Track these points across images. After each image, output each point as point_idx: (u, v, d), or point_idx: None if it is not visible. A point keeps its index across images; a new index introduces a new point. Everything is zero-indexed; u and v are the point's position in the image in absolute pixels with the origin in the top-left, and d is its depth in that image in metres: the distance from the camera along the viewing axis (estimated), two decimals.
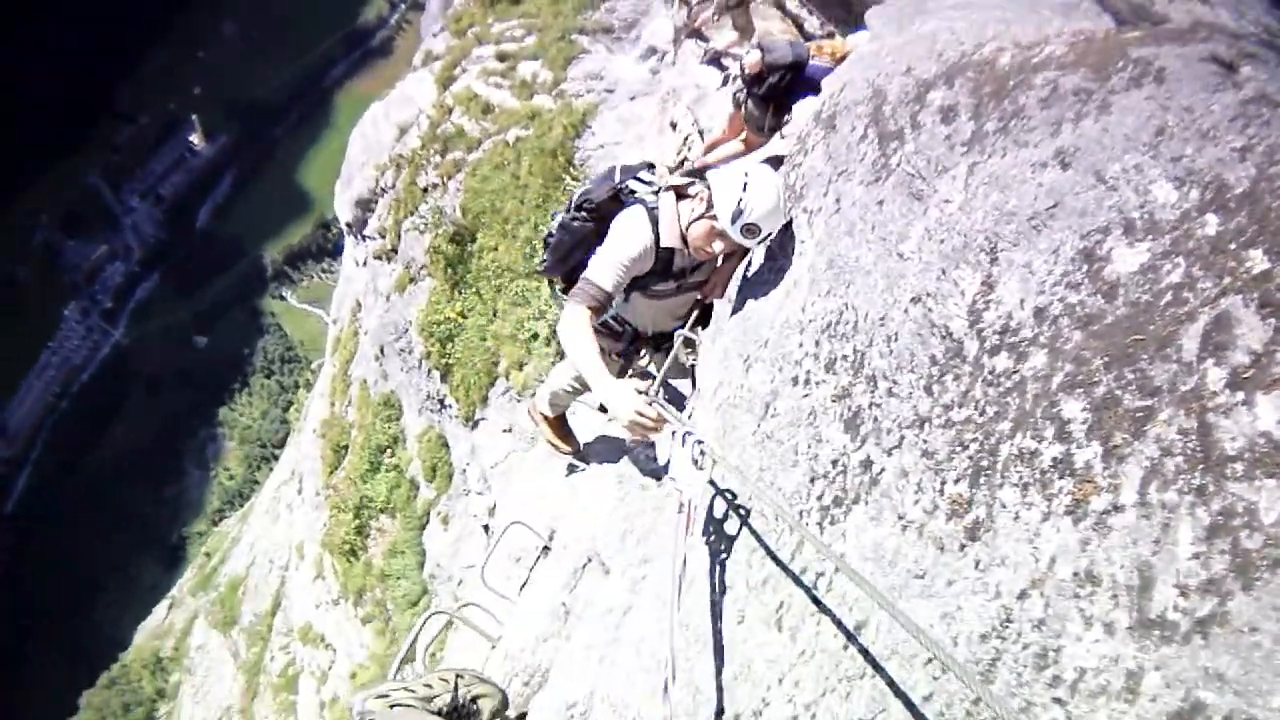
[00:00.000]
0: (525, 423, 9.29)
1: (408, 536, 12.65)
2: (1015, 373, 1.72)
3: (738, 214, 2.83)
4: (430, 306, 11.78)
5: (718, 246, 3.08)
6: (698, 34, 9.73)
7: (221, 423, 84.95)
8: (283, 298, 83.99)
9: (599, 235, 3.33)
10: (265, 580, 26.98)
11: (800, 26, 8.63)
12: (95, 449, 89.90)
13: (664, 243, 3.22)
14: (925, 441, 1.91)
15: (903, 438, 1.99)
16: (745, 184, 2.82)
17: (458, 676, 3.42)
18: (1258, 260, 1.39)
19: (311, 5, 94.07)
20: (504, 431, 10.09)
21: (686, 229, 3.16)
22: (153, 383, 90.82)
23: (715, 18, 9.43)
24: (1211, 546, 1.25)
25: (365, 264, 15.45)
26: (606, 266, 3.15)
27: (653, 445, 3.97)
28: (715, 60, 9.70)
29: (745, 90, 6.00)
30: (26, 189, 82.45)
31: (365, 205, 15.14)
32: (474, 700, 3.41)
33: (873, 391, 2.16)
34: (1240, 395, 1.30)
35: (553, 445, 5.11)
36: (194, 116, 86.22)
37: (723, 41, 9.48)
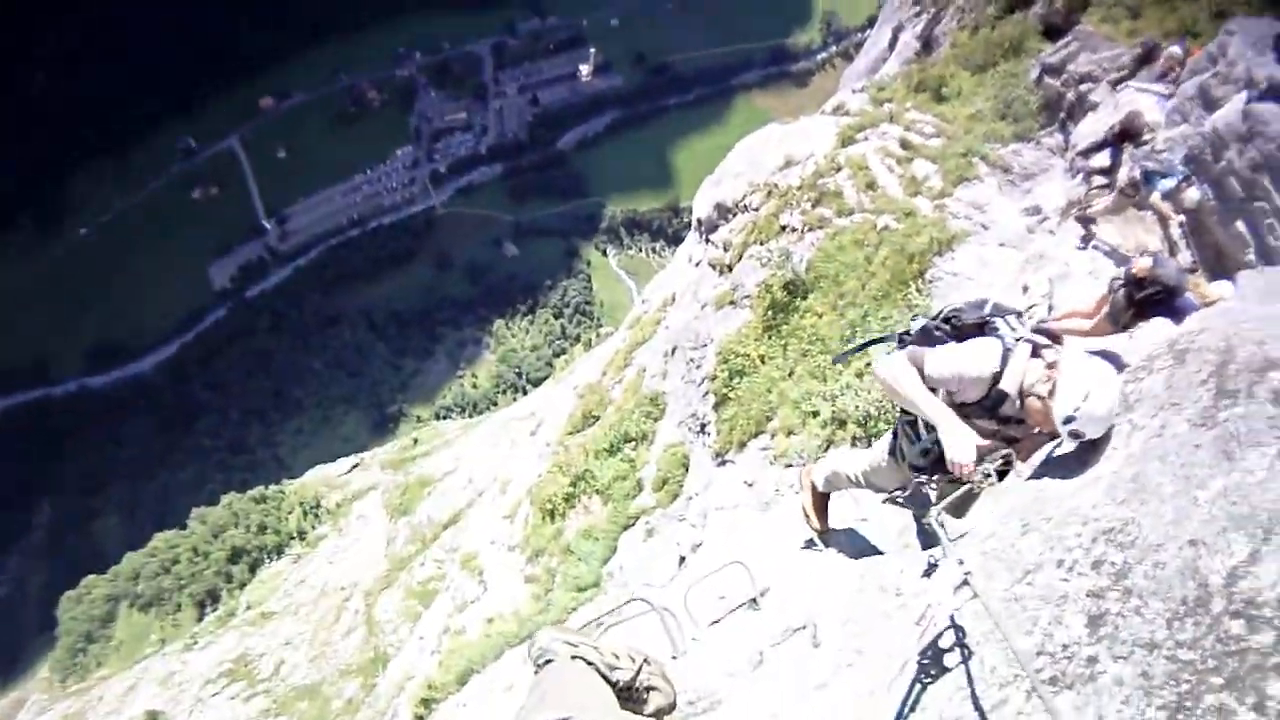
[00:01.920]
0: (769, 483, 9.39)
1: (609, 528, 12.60)
2: (1244, 640, 1.94)
3: (1070, 418, 3.04)
4: (737, 335, 11.89)
5: (1042, 422, 3.24)
6: (1086, 219, 9.86)
7: (493, 334, 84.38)
8: (605, 254, 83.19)
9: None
10: (456, 494, 27.91)
11: (1172, 252, 8.63)
12: (359, 288, 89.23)
13: (1003, 385, 3.31)
14: (1149, 664, 2.14)
15: (1132, 652, 2.23)
16: (1088, 395, 3.00)
17: (645, 661, 3.43)
18: None
19: (758, 3, 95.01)
20: (745, 484, 10.11)
21: (1027, 388, 3.27)
22: (444, 261, 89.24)
23: (1106, 210, 9.54)
24: None
25: (698, 264, 15.64)
26: (942, 360, 3.39)
27: (908, 558, 4.21)
28: (1084, 223, 9.88)
29: (1123, 284, 6.20)
30: (398, 15, 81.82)
31: (723, 212, 15.38)
32: (647, 690, 3.40)
33: (1124, 603, 2.39)
34: None
35: (806, 515, 5.29)
36: (592, 50, 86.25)
37: (1107, 239, 9.61)
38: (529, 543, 15.03)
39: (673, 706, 3.66)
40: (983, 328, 3.52)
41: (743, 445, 10.63)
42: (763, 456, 10.10)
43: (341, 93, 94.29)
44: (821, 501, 5.23)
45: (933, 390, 3.44)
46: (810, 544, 5.45)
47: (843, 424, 8.65)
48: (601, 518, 13.11)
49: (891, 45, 29.46)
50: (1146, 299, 5.88)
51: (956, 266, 10.57)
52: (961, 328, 3.60)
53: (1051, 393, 3.15)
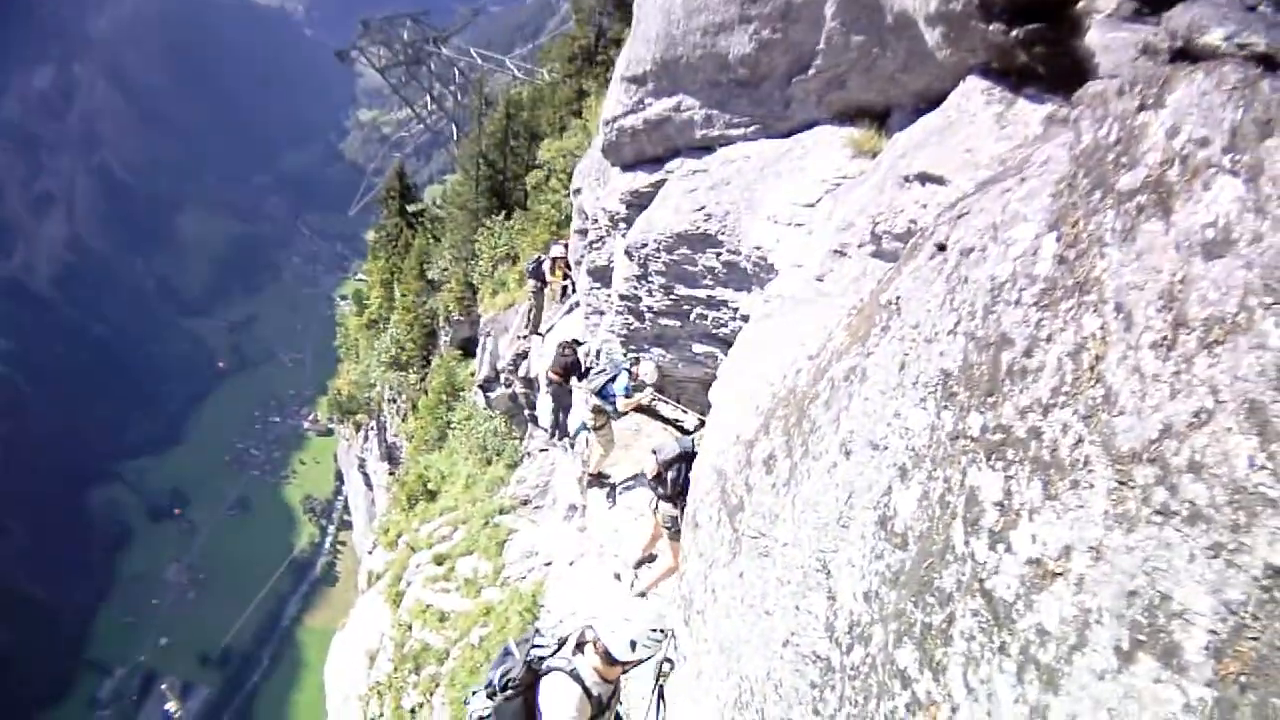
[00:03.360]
0: None
1: None
2: (868, 656, 2.07)
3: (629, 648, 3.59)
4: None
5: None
6: (598, 477, 10.56)
7: None
8: None
9: (528, 707, 3.87)
10: None
11: (658, 414, 9.93)
12: None
13: (594, 692, 3.76)
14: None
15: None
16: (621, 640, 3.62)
17: None
18: (974, 423, 1.78)
19: (247, 540, 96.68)
20: None
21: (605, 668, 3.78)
22: None
23: (606, 455, 10.31)
24: (1023, 682, 1.56)
25: None
26: None
27: None
28: (596, 480, 10.59)
29: (654, 498, 6.93)
30: None
31: None
32: None
33: None
34: (1001, 548, 1.64)
35: None
36: (164, 686, 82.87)
37: (594, 460, 10.48)
38: None
39: None
40: (531, 669, 3.90)
41: None
42: None
43: None
44: None
45: None
46: None
47: None
48: None
49: (368, 483, 31.86)
50: (677, 485, 6.67)
51: (557, 613, 10.61)
52: (520, 680, 3.90)
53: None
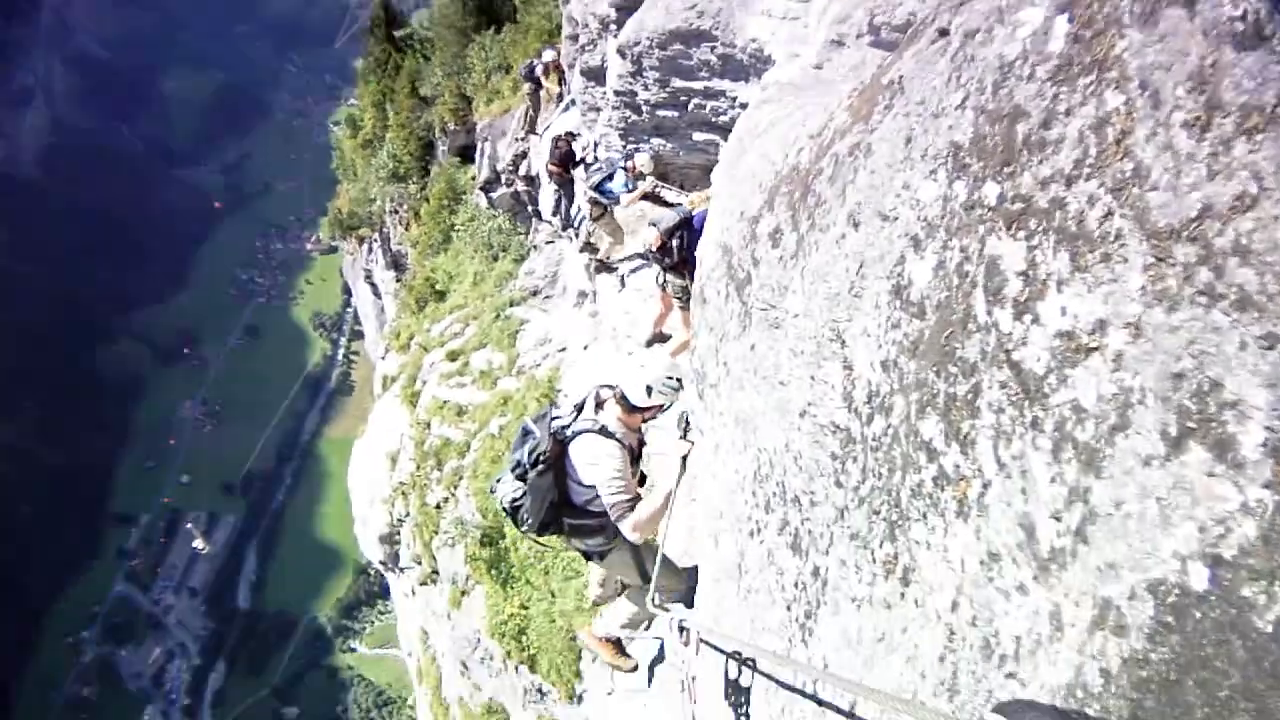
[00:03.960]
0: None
1: None
2: (889, 427, 2.02)
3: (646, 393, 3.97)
4: (491, 611, 11.34)
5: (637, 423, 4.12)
6: (604, 264, 10.79)
7: None
8: (353, 649, 79.70)
9: (558, 479, 3.99)
10: None
11: (663, 200, 9.90)
12: None
13: (624, 442, 4.02)
14: (849, 527, 2.24)
15: (832, 534, 2.33)
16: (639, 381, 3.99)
17: None
18: (991, 193, 1.68)
19: (259, 365, 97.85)
20: (607, 694, 9.77)
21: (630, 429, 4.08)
22: None
23: (605, 239, 10.55)
24: (1060, 461, 1.47)
25: (414, 593, 15.12)
26: (603, 476, 3.94)
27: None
28: (605, 268, 10.83)
29: (660, 271, 6.97)
30: (50, 612, 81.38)
31: (390, 540, 14.94)
32: None
33: (799, 509, 2.51)
34: (1027, 318, 1.55)
35: (614, 666, 5.64)
36: (188, 525, 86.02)
37: (604, 248, 10.66)
38: None
39: None
40: (560, 440, 4.03)
41: (578, 674, 10.07)
42: (598, 665, 9.86)
43: None
44: (618, 644, 5.57)
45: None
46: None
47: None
48: None
49: (376, 293, 31.94)
50: (681, 252, 6.65)
51: (575, 396, 11.01)
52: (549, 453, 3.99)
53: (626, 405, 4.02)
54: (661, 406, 3.96)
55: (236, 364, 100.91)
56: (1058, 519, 1.48)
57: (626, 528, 3.83)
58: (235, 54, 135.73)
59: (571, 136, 12.24)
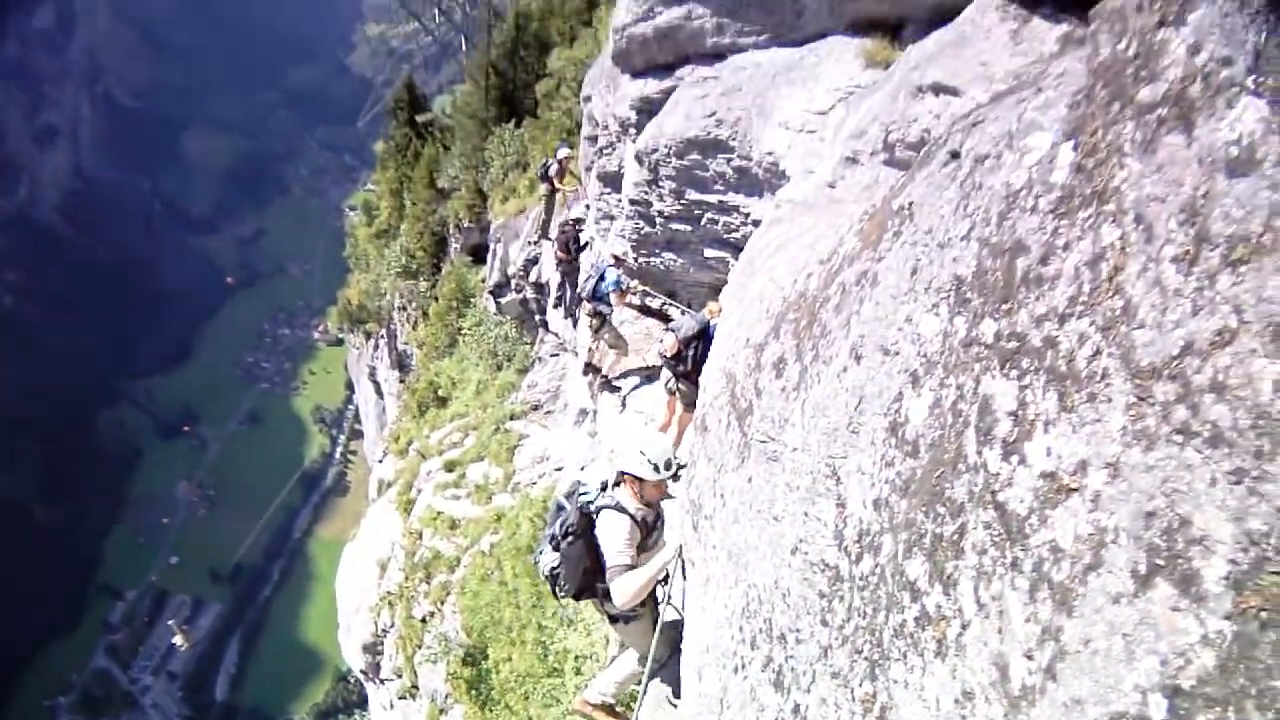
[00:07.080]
0: None
1: None
2: (877, 566, 2.06)
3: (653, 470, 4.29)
4: None
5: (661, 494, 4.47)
6: (607, 383, 10.76)
7: None
8: None
9: (590, 547, 4.48)
10: None
11: (660, 314, 10.07)
12: None
13: (638, 517, 4.42)
14: (831, 665, 2.25)
15: (815, 672, 2.33)
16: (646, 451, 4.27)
17: None
18: (988, 330, 1.75)
19: (257, 454, 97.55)
20: None
21: (645, 501, 4.45)
22: None
23: (608, 353, 10.57)
24: (1035, 600, 1.51)
25: (392, 706, 14.59)
26: (613, 547, 4.31)
27: None
28: (607, 385, 10.81)
29: (672, 375, 6.98)
30: (26, 677, 79.23)
31: (372, 649, 14.68)
32: None
33: (784, 646, 2.52)
34: (1014, 459, 1.61)
35: None
36: (169, 621, 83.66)
37: (607, 364, 10.65)
38: None
39: None
40: (586, 514, 4.54)
41: None
42: None
43: None
44: (612, 711, 5.54)
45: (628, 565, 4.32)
46: None
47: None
48: None
49: (379, 392, 31.52)
50: (695, 361, 6.79)
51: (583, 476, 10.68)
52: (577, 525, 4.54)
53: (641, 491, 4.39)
54: (665, 480, 4.37)
55: (235, 449, 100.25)
56: (1030, 657, 1.52)
57: (615, 589, 4.24)
58: (257, 121, 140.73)
59: (579, 222, 12.52)
